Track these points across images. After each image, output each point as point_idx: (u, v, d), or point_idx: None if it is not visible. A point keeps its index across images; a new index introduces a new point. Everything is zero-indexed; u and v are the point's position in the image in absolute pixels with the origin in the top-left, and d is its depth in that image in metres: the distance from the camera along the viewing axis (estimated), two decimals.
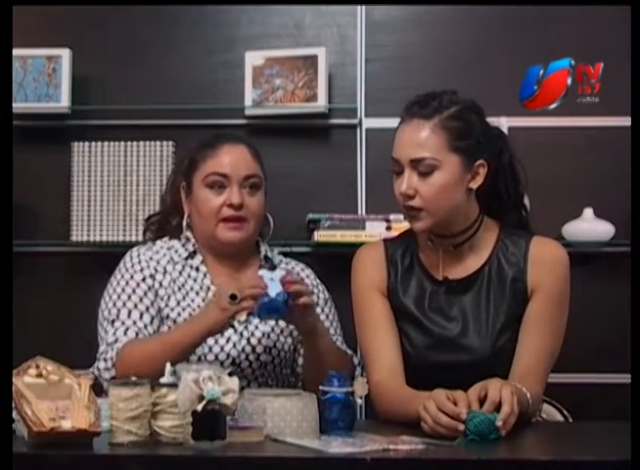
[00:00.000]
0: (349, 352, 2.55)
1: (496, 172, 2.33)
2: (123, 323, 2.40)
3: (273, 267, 2.55)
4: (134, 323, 2.40)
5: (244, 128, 3.35)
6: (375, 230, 3.17)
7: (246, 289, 2.20)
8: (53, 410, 1.77)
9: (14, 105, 3.18)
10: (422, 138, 2.22)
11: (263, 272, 2.23)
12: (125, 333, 2.38)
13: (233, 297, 2.20)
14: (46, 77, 3.31)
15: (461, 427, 1.87)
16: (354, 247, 3.17)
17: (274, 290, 2.19)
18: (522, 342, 2.24)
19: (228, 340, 2.43)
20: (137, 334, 2.38)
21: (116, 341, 2.37)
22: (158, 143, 3.30)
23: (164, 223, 2.62)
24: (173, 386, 1.82)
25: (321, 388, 2.02)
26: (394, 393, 2.19)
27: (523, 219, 2.40)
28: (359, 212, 3.32)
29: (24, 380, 1.83)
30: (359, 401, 2.04)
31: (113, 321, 2.41)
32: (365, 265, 2.39)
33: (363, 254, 2.43)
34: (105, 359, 2.35)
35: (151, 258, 2.50)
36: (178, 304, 2.46)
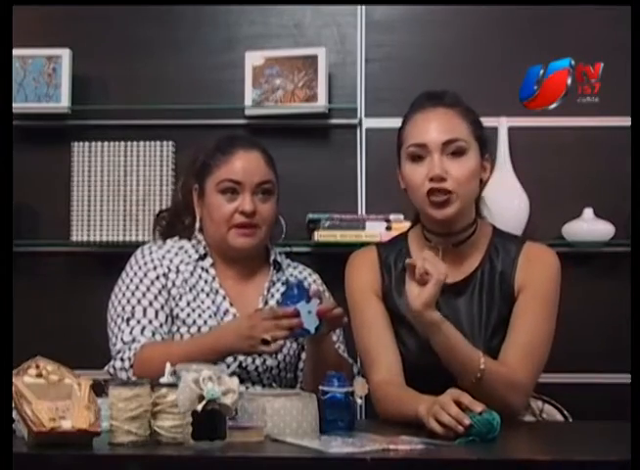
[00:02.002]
0: (350, 360, 2.54)
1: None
2: (139, 322, 2.38)
3: (281, 272, 2.57)
4: (150, 322, 2.38)
5: (244, 128, 3.35)
6: (375, 230, 3.17)
7: (280, 331, 2.17)
8: (53, 410, 1.77)
9: (14, 105, 3.18)
10: (452, 122, 2.28)
11: (301, 306, 2.18)
12: (142, 332, 2.36)
13: (265, 342, 2.19)
14: (46, 77, 3.32)
15: (460, 428, 1.87)
16: (354, 247, 3.17)
17: (311, 324, 2.18)
18: (507, 338, 2.24)
19: None
20: (153, 333, 2.37)
21: (134, 340, 2.35)
22: (158, 143, 3.30)
23: (176, 222, 2.61)
24: (173, 386, 1.82)
25: (321, 388, 2.02)
26: (394, 393, 2.19)
27: None
28: (359, 212, 3.32)
29: (24, 380, 1.83)
30: (359, 401, 2.04)
31: (128, 319, 2.39)
32: (359, 269, 2.40)
33: (357, 259, 2.43)
34: (122, 359, 2.33)
35: (163, 257, 2.49)
36: (188, 304, 2.45)
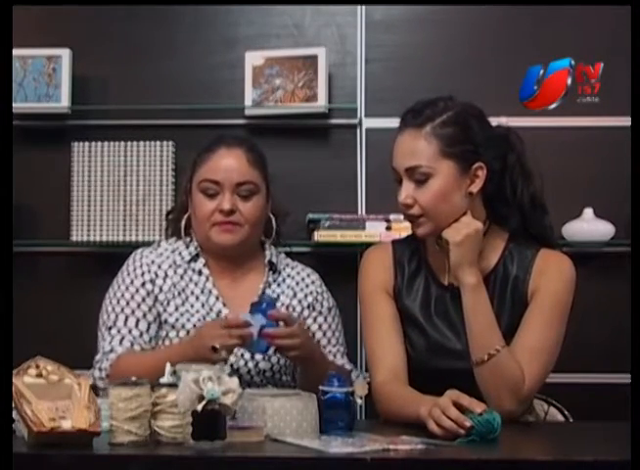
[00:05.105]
0: (349, 366, 2.51)
1: (503, 174, 2.32)
2: (119, 331, 2.41)
3: (278, 273, 2.54)
4: (129, 332, 2.41)
5: (244, 128, 3.35)
6: (375, 230, 3.18)
7: (230, 339, 2.18)
8: (53, 410, 1.77)
9: (14, 105, 3.18)
10: (415, 147, 2.24)
11: (257, 320, 2.21)
12: (121, 343, 2.40)
13: (214, 349, 2.18)
14: (46, 77, 3.32)
15: (462, 432, 1.87)
16: (354, 247, 3.18)
17: (259, 343, 2.22)
18: (514, 341, 2.23)
19: None
20: (132, 344, 2.40)
21: (112, 351, 2.38)
22: (158, 143, 3.30)
23: (177, 222, 2.60)
24: (173, 386, 1.82)
25: (321, 388, 2.02)
26: (397, 394, 2.18)
27: (536, 224, 2.35)
28: (359, 212, 3.32)
29: (24, 380, 1.82)
30: (359, 401, 2.04)
31: (110, 328, 2.42)
32: (372, 267, 2.38)
33: (371, 255, 2.42)
34: (100, 369, 2.37)
35: (152, 262, 2.49)
36: (177, 309, 2.45)
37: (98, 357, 2.40)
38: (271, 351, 2.31)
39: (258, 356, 2.41)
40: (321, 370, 2.25)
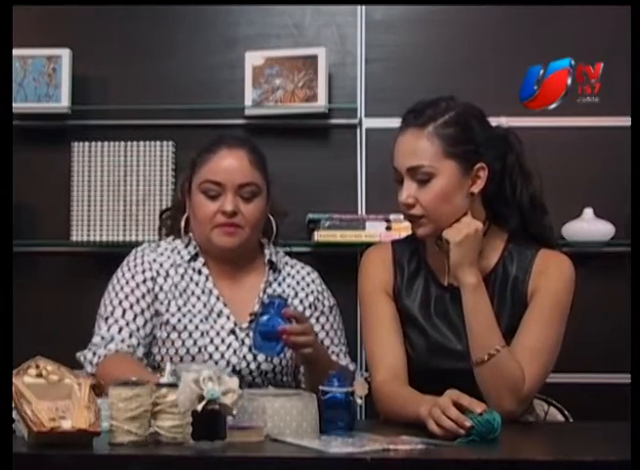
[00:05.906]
0: (352, 366, 2.52)
1: (502, 174, 2.32)
2: (117, 322, 2.40)
3: (278, 272, 2.54)
4: (127, 324, 2.40)
5: (243, 128, 3.36)
6: (375, 230, 3.18)
7: None
8: (53, 410, 1.77)
9: (14, 105, 3.19)
10: (417, 147, 2.24)
11: (267, 321, 2.25)
12: (119, 332, 2.39)
13: None
14: (46, 77, 3.32)
15: (462, 432, 1.87)
16: (354, 247, 3.18)
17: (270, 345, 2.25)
18: (514, 341, 2.23)
19: (229, 346, 2.41)
20: (130, 335, 2.39)
21: (112, 339, 2.37)
22: (158, 143, 3.31)
23: (174, 222, 2.60)
24: (173, 386, 1.82)
25: (321, 388, 2.02)
26: (396, 394, 2.18)
27: (535, 224, 2.35)
28: (359, 212, 3.32)
29: (24, 380, 1.82)
30: (359, 401, 2.04)
31: (107, 318, 2.42)
32: (372, 267, 2.38)
33: (371, 255, 2.42)
34: (94, 353, 2.35)
35: (154, 260, 2.49)
36: (179, 310, 2.44)
37: (96, 341, 2.38)
38: (289, 353, 2.31)
39: (261, 357, 2.41)
40: (327, 370, 2.24)
